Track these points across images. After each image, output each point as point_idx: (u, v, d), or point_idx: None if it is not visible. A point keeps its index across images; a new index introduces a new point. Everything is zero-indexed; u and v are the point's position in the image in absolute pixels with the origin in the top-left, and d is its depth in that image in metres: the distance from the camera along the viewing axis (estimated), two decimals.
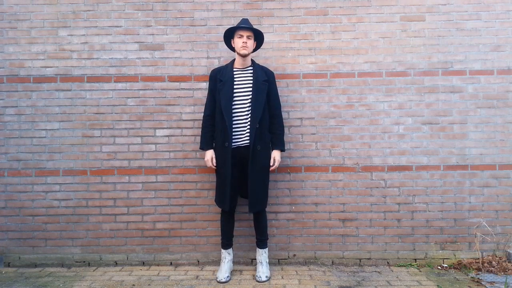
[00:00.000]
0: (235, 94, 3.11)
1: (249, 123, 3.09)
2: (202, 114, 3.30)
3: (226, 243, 3.26)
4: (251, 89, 3.12)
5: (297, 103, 3.56)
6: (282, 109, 3.52)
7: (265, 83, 3.15)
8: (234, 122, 3.10)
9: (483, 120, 3.53)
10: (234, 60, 3.25)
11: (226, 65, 3.24)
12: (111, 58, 3.57)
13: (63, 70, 3.57)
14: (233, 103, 3.10)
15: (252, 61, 3.25)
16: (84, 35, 3.57)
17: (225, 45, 3.43)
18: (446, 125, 3.53)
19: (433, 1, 3.55)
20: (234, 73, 3.17)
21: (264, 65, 3.51)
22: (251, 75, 3.16)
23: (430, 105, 3.53)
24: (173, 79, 3.56)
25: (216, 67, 3.38)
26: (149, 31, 3.57)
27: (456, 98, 3.53)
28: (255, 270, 3.29)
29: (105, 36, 3.57)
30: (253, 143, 3.06)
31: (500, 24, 3.54)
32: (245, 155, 3.10)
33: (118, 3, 3.57)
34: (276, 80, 3.52)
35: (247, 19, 3.19)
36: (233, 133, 3.09)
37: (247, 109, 3.10)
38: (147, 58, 3.57)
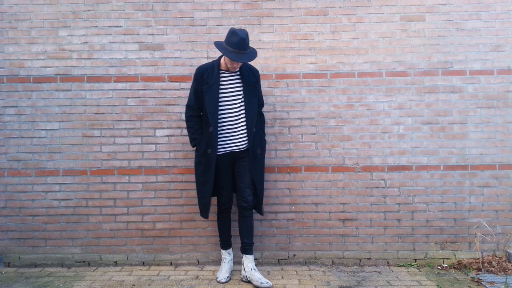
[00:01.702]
0: (223, 98, 3.01)
1: (243, 127, 3.03)
2: (185, 113, 3.14)
3: (225, 243, 3.24)
4: (240, 92, 3.03)
5: (297, 103, 3.55)
6: (282, 109, 3.55)
7: (255, 85, 3.09)
8: (225, 127, 3.03)
9: (483, 120, 3.52)
10: (219, 59, 3.08)
11: (212, 64, 3.08)
12: (111, 58, 3.57)
13: (63, 70, 3.57)
14: (221, 107, 3.01)
15: None
16: (84, 35, 3.57)
17: None
18: (446, 125, 3.53)
19: (433, 1, 3.55)
20: (221, 76, 3.04)
21: (265, 65, 3.52)
22: (239, 77, 3.06)
23: (430, 105, 3.53)
24: (173, 79, 3.56)
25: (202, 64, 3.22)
26: (149, 31, 3.57)
27: (456, 98, 3.53)
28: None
29: (105, 36, 3.57)
30: (252, 147, 3.04)
31: (500, 24, 3.54)
32: (239, 158, 3.09)
33: (118, 3, 3.57)
34: (276, 80, 3.55)
35: (244, 38, 2.85)
36: (225, 138, 3.04)
37: (238, 113, 3.03)
38: (147, 58, 3.57)
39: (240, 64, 3.00)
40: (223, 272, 3.14)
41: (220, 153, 3.06)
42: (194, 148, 3.16)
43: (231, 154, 3.08)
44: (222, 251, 3.25)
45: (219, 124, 3.02)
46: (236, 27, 3.51)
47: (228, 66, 2.99)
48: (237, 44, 2.84)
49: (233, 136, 3.05)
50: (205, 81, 3.01)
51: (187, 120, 3.13)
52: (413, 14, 3.55)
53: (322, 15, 3.57)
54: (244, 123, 3.04)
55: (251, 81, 3.07)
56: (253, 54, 2.95)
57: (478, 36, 3.54)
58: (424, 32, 3.55)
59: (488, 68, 3.53)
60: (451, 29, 3.55)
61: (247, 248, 3.12)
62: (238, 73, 3.08)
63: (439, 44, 3.54)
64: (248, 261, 3.09)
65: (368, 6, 3.56)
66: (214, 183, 3.09)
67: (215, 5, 3.57)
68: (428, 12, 3.55)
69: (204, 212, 3.15)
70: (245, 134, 3.05)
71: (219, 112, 3.02)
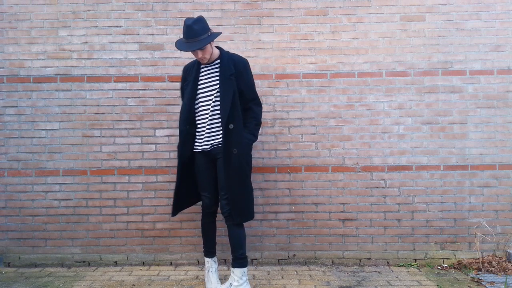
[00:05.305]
0: (200, 94, 2.80)
1: (218, 123, 2.77)
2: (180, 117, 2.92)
3: (210, 251, 2.98)
4: (216, 86, 2.77)
5: (297, 103, 3.55)
6: (282, 109, 3.54)
7: (232, 77, 2.75)
8: (201, 123, 2.81)
9: (483, 120, 3.52)
10: None
11: (196, 60, 2.88)
12: (111, 58, 3.57)
13: (63, 70, 3.57)
14: (198, 103, 2.80)
15: (221, 52, 2.86)
16: (84, 35, 3.57)
17: (225, 45, 3.43)
18: (446, 125, 3.53)
19: (433, 1, 3.55)
20: (201, 70, 2.84)
21: (265, 65, 3.52)
22: (218, 70, 2.80)
23: (430, 105, 3.53)
24: (173, 79, 3.56)
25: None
26: (149, 31, 3.57)
27: (456, 98, 3.53)
28: (255, 270, 3.27)
29: (105, 36, 3.57)
30: (225, 146, 2.70)
31: (500, 24, 3.54)
32: (217, 157, 2.79)
33: (118, 3, 3.57)
34: (276, 80, 3.54)
35: (190, 25, 2.64)
36: (200, 135, 2.82)
37: (212, 107, 2.76)
38: (147, 58, 3.57)
39: (207, 57, 2.74)
40: (214, 283, 2.89)
41: (197, 150, 2.84)
42: None
43: (206, 152, 2.82)
44: (207, 259, 2.98)
45: (197, 120, 2.83)
46: (236, 27, 3.53)
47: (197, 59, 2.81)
48: (184, 33, 2.69)
49: (208, 132, 2.80)
50: (186, 78, 2.89)
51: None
52: (413, 14, 3.55)
53: (322, 15, 3.57)
54: (219, 119, 2.77)
55: (227, 72, 2.76)
56: (203, 41, 2.65)
57: (478, 36, 3.54)
58: (424, 32, 3.55)
59: (488, 68, 3.53)
60: (451, 29, 3.55)
61: (234, 262, 2.79)
62: (218, 65, 2.82)
63: (439, 44, 3.54)
64: (234, 277, 2.77)
65: (368, 6, 3.56)
66: (195, 184, 2.92)
67: (215, 5, 3.57)
68: (428, 12, 3.55)
69: (174, 211, 2.95)
70: (220, 131, 2.77)
71: (198, 108, 2.82)
